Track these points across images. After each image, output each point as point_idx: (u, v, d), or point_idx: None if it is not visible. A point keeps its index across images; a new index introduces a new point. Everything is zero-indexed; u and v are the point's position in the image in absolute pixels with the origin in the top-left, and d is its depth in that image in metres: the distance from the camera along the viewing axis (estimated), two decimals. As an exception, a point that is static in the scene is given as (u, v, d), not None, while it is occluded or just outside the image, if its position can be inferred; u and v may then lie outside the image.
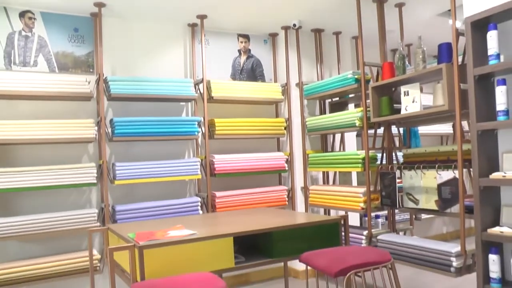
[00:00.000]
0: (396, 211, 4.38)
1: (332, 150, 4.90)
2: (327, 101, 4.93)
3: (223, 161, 4.40)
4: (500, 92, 2.76)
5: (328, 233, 2.93)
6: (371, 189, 3.88)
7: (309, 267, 3.35)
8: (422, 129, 5.23)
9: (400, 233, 4.05)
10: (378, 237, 3.71)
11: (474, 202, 2.91)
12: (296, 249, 2.82)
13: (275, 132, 4.73)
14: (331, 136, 4.93)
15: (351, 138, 5.08)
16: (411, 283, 4.38)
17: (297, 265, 4.71)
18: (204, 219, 3.42)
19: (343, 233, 3.08)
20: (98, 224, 3.84)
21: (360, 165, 3.92)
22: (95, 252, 3.85)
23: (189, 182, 4.53)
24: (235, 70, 4.87)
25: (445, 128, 5.62)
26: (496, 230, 2.82)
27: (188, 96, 4.27)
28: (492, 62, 2.79)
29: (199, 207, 4.24)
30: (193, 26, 4.55)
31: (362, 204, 3.87)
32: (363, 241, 3.84)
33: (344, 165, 4.13)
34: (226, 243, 2.61)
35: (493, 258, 2.84)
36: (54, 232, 3.68)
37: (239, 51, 4.91)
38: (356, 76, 4.01)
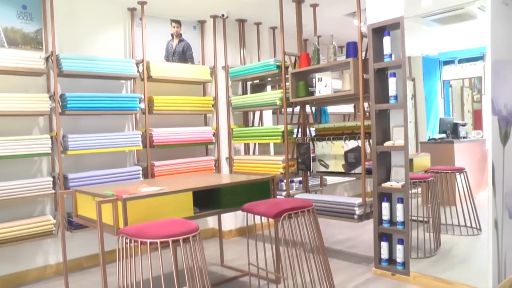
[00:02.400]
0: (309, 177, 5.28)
1: (252, 125, 5.68)
2: (249, 83, 5.67)
3: (161, 134, 4.98)
4: (391, 82, 3.70)
5: (261, 189, 3.69)
6: (289, 157, 4.71)
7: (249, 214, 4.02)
8: (330, 109, 6.17)
9: (313, 193, 4.94)
10: (295, 196, 4.57)
11: (372, 164, 3.84)
12: (238, 201, 3.51)
13: (204, 109, 5.40)
14: (252, 113, 5.69)
15: (268, 115, 5.89)
16: (324, 233, 5.35)
17: (223, 226, 5.45)
18: (153, 182, 4.01)
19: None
20: (54, 191, 4.26)
21: (279, 137, 4.74)
22: (50, 217, 4.26)
23: (128, 152, 5.05)
24: (168, 53, 5.42)
25: (348, 108, 6.65)
26: (387, 184, 3.79)
27: (131, 75, 4.77)
28: (386, 59, 3.71)
29: (140, 175, 4.80)
30: (132, 10, 5.00)
31: (281, 170, 4.70)
32: (283, 200, 4.68)
33: (265, 138, 4.93)
34: (187, 197, 3.26)
35: (385, 205, 3.81)
36: (12, 199, 4.00)
37: (172, 35, 5.46)
38: (277, 63, 4.80)
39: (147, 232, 2.56)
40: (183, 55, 5.55)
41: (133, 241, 2.56)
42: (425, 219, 4.98)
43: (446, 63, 9.70)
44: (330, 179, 6.11)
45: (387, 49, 3.70)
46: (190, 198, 3.25)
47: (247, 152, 5.68)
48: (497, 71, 3.43)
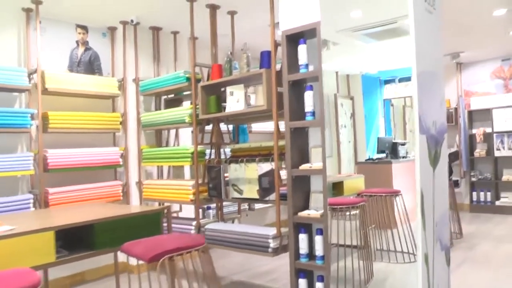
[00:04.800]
0: (228, 202, 4.72)
1: (167, 145, 5.08)
2: (163, 97, 5.08)
3: (57, 156, 4.29)
4: (308, 96, 3.21)
5: (150, 223, 3.09)
6: (200, 182, 4.14)
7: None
8: (258, 127, 5.61)
9: (229, 222, 4.37)
10: (206, 227, 3.99)
11: (287, 189, 3.32)
12: (119, 240, 2.86)
13: (111, 126, 4.75)
14: (166, 131, 5.10)
15: (186, 133, 5.29)
16: (245, 264, 4.80)
17: (133, 260, 4.79)
18: (30, 215, 3.35)
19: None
20: None
21: (189, 159, 4.17)
22: None
23: (21, 178, 4.32)
24: (72, 62, 4.77)
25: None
26: (304, 213, 3.28)
27: (21, 87, 4.09)
28: (302, 70, 3.23)
29: (31, 204, 4.09)
30: (28, 11, 4.30)
31: (191, 196, 4.12)
32: (192, 231, 4.09)
33: (175, 160, 4.35)
34: (47, 238, 2.60)
35: (302, 237, 3.29)
36: None
37: (77, 42, 4.82)
38: (187, 75, 4.24)
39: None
40: (90, 65, 4.91)
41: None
42: (359, 245, 4.57)
43: (387, 82, 9.46)
44: (258, 203, 5.54)
45: (302, 59, 3.22)
46: (51, 240, 2.61)
47: (160, 175, 5.07)
48: (422, 84, 3.01)
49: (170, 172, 5.09)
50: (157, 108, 5.09)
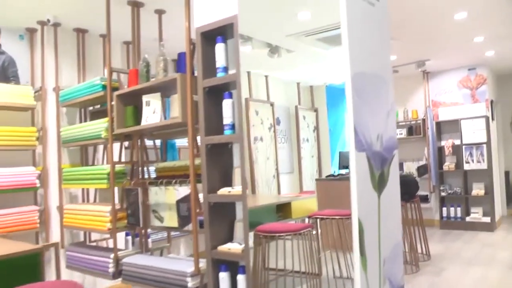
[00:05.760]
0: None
1: (93, 164, 4.48)
2: (89, 109, 4.48)
3: (-49, 177, 3.68)
4: (226, 105, 2.68)
5: (24, 268, 2.47)
6: (119, 207, 3.55)
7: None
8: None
9: (155, 252, 3.78)
10: (123, 260, 3.39)
11: (204, 218, 2.77)
12: None
13: (25, 143, 4.11)
14: (93, 147, 4.50)
15: (116, 149, 4.68)
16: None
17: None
18: None
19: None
20: None
21: (106, 180, 3.58)
22: None
23: None
24: (-19, 68, 4.16)
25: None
26: (225, 247, 2.72)
27: None
28: (219, 74, 2.69)
29: None
30: None
31: (108, 224, 3.52)
32: (110, 265, 3.49)
33: (91, 181, 3.74)
34: None
35: (223, 276, 2.73)
36: None
37: (-14, 45, 4.22)
38: (103, 83, 3.66)
39: None
40: (3, 72, 4.27)
41: None
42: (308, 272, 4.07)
43: (355, 93, 8.84)
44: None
45: (220, 61, 2.69)
46: None
47: (85, 198, 4.46)
48: (359, 88, 2.49)
49: (97, 195, 4.47)
50: (82, 121, 4.48)
